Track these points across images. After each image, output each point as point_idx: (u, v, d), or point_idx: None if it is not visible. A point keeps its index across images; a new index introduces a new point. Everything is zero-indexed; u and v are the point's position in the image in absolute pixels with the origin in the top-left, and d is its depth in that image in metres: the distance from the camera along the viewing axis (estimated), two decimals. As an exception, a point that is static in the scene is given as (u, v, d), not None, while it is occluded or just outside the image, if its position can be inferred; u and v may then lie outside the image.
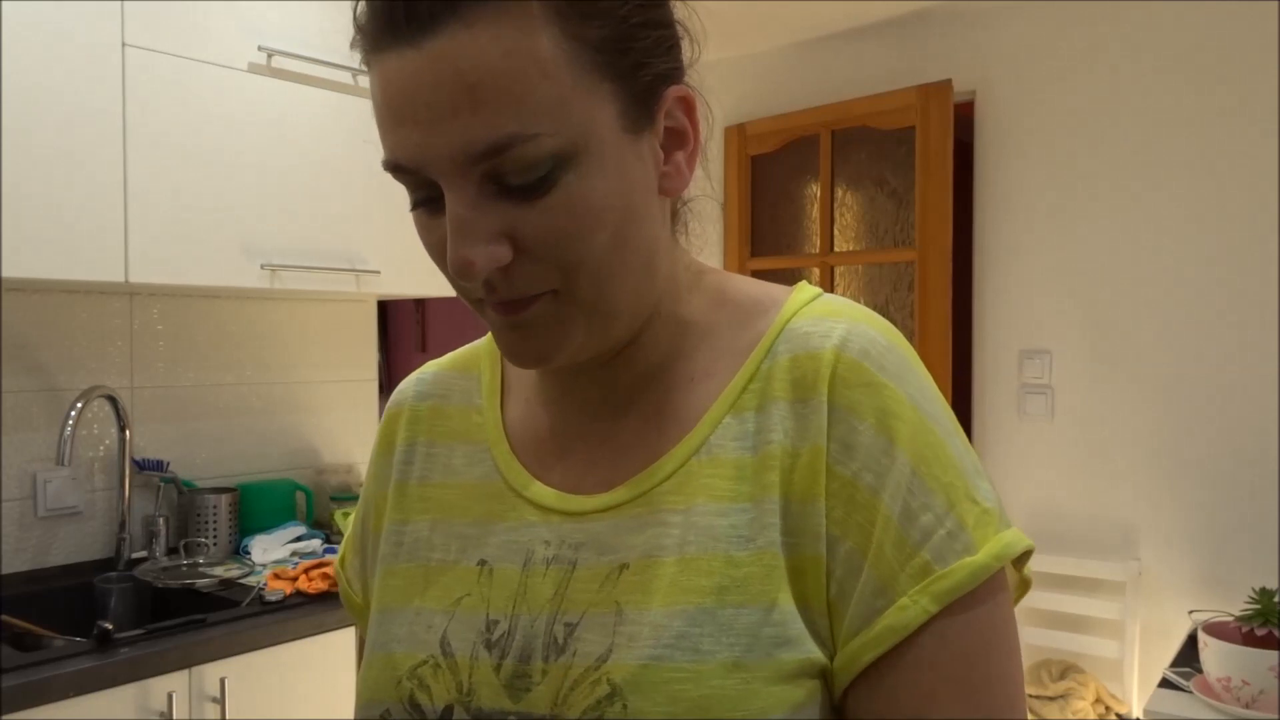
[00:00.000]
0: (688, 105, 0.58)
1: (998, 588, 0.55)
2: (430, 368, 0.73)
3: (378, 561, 0.67)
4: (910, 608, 0.52)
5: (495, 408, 0.67)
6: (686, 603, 0.54)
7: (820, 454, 0.55)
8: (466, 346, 0.73)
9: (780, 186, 3.45)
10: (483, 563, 0.61)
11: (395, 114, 0.52)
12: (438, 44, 0.49)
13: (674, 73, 0.58)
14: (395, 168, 0.54)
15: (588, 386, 0.63)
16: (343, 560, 0.74)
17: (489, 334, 0.72)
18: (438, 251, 0.55)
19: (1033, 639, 2.80)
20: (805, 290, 0.62)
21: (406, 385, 0.73)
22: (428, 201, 0.55)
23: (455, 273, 0.52)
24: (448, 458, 0.67)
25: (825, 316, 0.58)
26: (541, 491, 0.62)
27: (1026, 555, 0.56)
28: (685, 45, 0.60)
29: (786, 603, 0.54)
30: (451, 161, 0.51)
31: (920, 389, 0.56)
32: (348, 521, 2.31)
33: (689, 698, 0.51)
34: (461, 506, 0.65)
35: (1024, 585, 0.59)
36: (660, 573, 0.55)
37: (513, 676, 0.57)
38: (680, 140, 0.58)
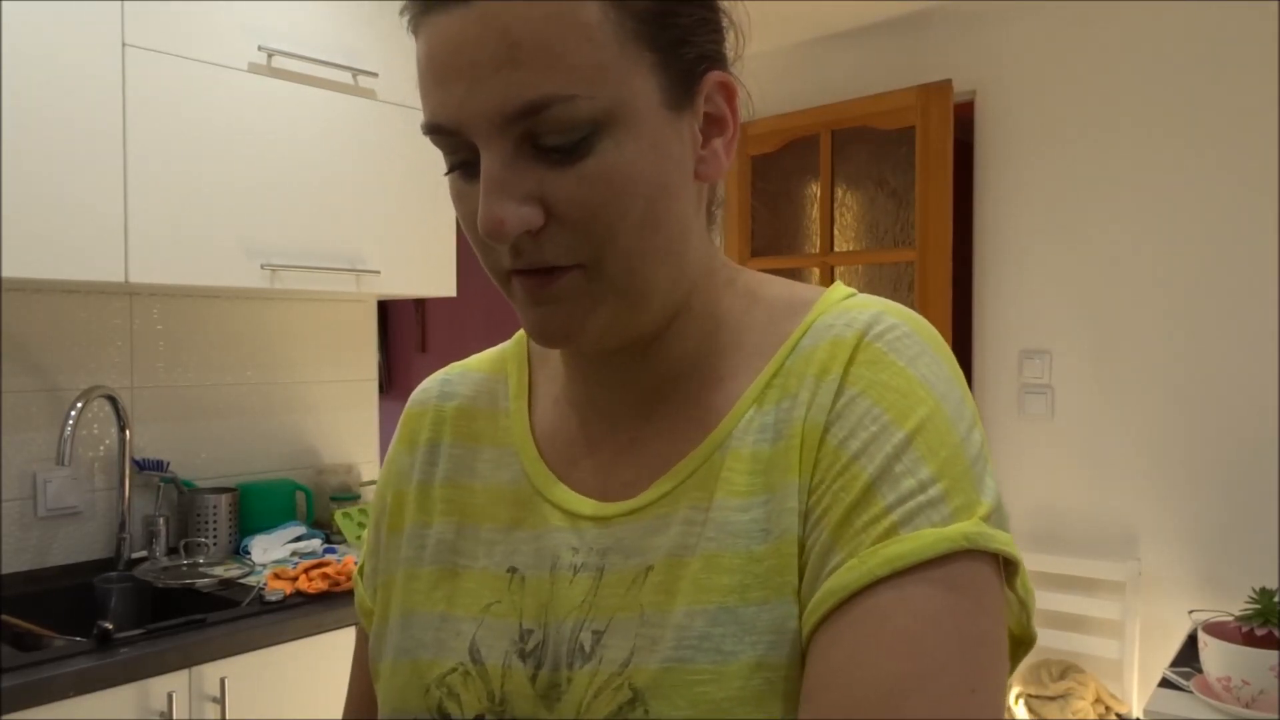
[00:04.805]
0: (729, 92, 0.57)
1: (971, 577, 0.49)
2: (456, 368, 0.72)
3: (399, 563, 0.65)
4: (856, 568, 0.49)
5: (523, 410, 0.66)
6: (708, 602, 0.52)
7: (818, 428, 0.53)
8: (493, 348, 0.72)
9: (780, 186, 3.45)
10: (513, 570, 0.60)
11: (439, 72, 0.52)
12: (485, 3, 0.50)
13: (716, 56, 0.57)
14: (434, 129, 0.53)
15: (617, 385, 0.62)
16: (361, 569, 0.72)
17: (516, 336, 0.71)
18: (469, 220, 0.55)
19: (1033, 639, 2.80)
20: (839, 290, 0.61)
21: (431, 385, 0.71)
22: (464, 166, 0.54)
23: (485, 232, 0.51)
24: (474, 460, 0.66)
25: (850, 309, 0.57)
26: (568, 496, 0.61)
27: (1013, 567, 0.52)
28: (731, 37, 0.59)
29: None
30: (489, 120, 0.51)
31: (936, 375, 0.54)
32: (347, 521, 2.32)
33: (711, 700, 0.50)
34: (488, 511, 0.63)
35: (1022, 608, 0.54)
36: (683, 573, 0.54)
37: (548, 686, 0.56)
38: (719, 127, 0.58)
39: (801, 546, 0.52)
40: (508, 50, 0.49)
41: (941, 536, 0.49)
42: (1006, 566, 0.52)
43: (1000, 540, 0.50)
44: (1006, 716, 2.67)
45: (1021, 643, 0.56)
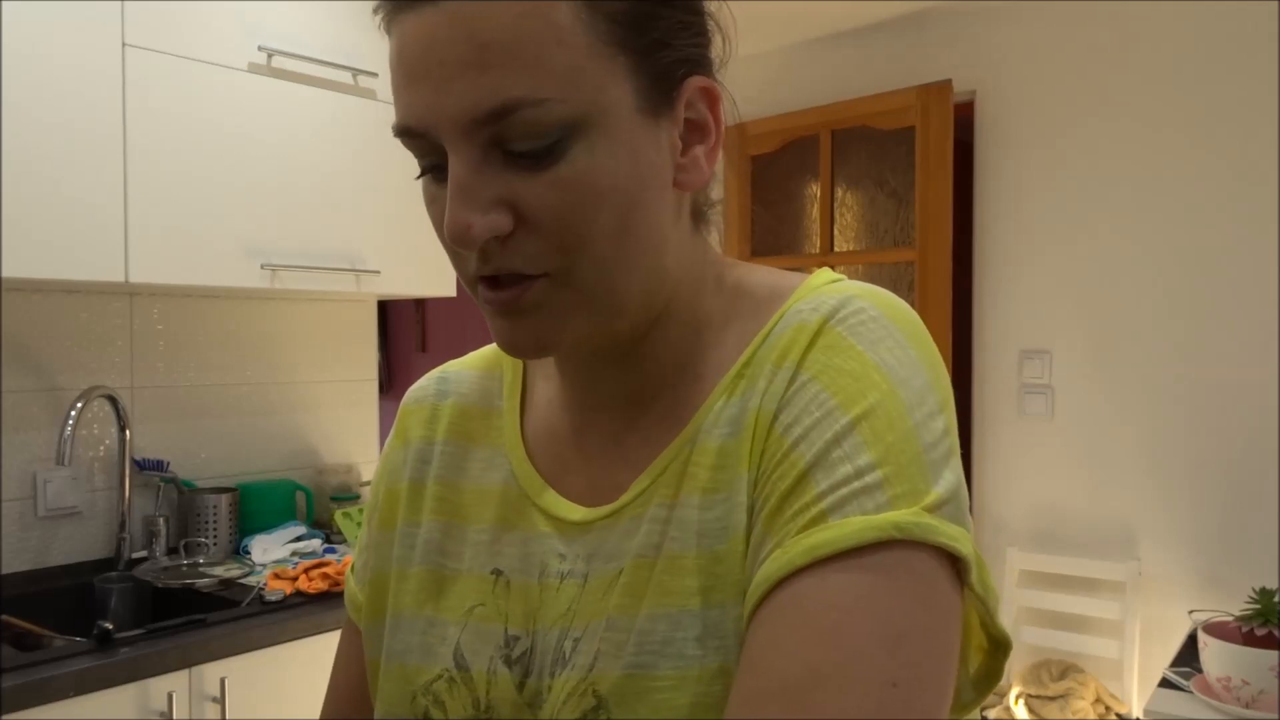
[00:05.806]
0: (711, 98, 0.55)
1: (903, 567, 0.46)
2: (452, 366, 0.71)
3: (392, 562, 0.65)
4: (780, 558, 0.47)
5: (515, 410, 0.65)
6: (670, 605, 0.51)
7: (768, 417, 0.52)
8: (490, 346, 0.70)
9: (780, 186, 3.45)
10: (498, 573, 0.60)
11: (408, 73, 0.50)
12: (455, 3, 0.48)
13: (698, 61, 0.55)
14: (404, 131, 0.52)
15: (607, 387, 0.61)
16: (353, 567, 0.71)
17: None
18: (439, 225, 0.53)
19: (1033, 639, 2.80)
20: (822, 275, 0.59)
21: (427, 382, 0.71)
22: (435, 169, 0.53)
23: (451, 237, 0.50)
24: (465, 460, 0.65)
25: (824, 294, 0.55)
26: (556, 502, 0.60)
27: (964, 563, 0.48)
28: (717, 41, 0.57)
29: None
30: (457, 123, 0.49)
31: (899, 359, 0.51)
32: (347, 521, 2.32)
33: (673, 705, 0.49)
34: (476, 512, 0.63)
35: (983, 607, 0.50)
36: (648, 575, 0.53)
37: (533, 694, 0.55)
38: (701, 134, 0.56)
39: (748, 542, 0.51)
40: (476, 52, 0.48)
41: (868, 525, 0.46)
42: (960, 561, 0.48)
43: (944, 533, 0.47)
44: (1005, 716, 2.67)
45: (998, 645, 0.53)
